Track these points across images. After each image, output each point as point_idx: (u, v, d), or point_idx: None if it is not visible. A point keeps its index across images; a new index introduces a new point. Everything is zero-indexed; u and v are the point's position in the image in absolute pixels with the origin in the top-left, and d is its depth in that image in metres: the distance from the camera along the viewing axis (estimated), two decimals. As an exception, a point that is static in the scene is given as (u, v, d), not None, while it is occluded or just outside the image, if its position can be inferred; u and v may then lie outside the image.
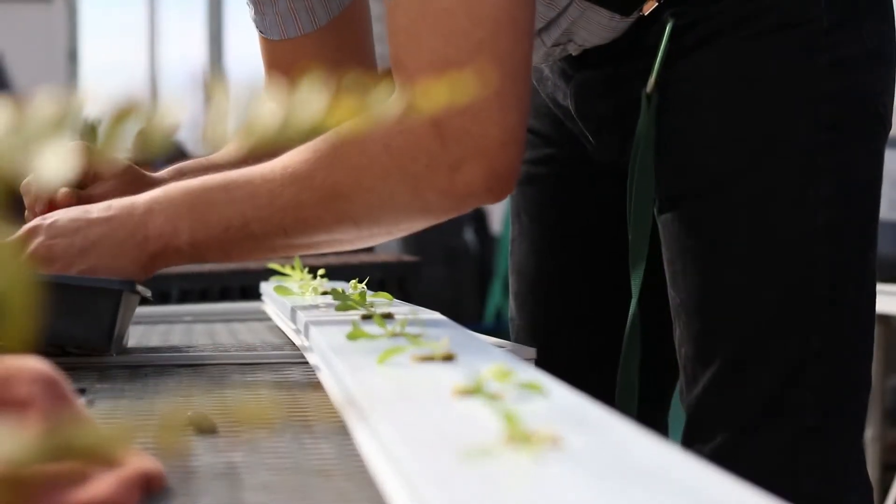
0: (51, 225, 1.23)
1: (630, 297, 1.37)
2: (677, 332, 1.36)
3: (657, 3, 1.34)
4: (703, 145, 1.33)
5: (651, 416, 1.49)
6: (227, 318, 1.65)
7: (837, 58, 1.31)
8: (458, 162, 1.18)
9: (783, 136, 1.31)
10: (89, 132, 0.50)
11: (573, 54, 1.43)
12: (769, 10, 1.31)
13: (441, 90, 0.54)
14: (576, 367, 1.46)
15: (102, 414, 0.95)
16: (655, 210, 1.37)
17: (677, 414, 1.48)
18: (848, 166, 1.32)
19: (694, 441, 1.34)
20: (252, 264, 2.11)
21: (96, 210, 1.25)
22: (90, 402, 0.98)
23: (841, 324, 1.32)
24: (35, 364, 0.71)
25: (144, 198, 1.24)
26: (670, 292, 1.36)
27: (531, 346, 1.32)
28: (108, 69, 6.95)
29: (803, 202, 1.30)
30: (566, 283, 1.54)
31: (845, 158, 1.32)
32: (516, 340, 1.53)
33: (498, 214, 5.66)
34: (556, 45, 1.40)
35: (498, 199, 1.21)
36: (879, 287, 2.82)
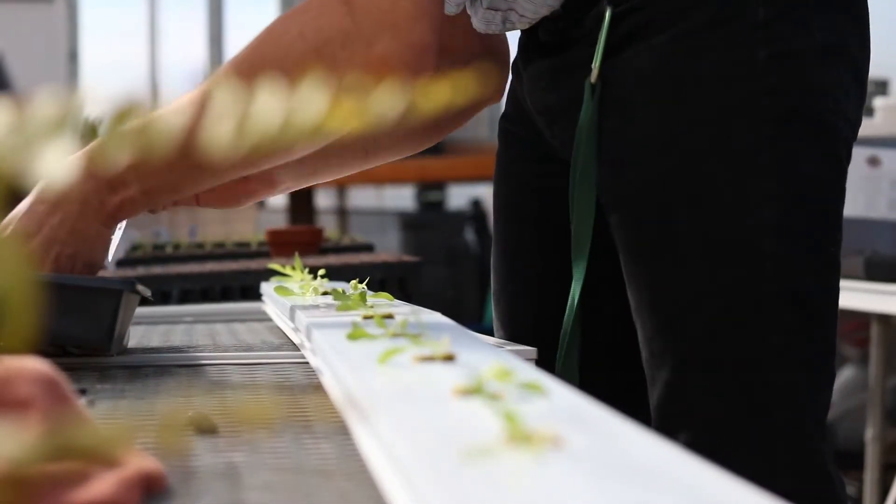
0: (12, 230, 1.26)
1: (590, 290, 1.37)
2: (638, 334, 1.35)
3: None
4: (640, 145, 1.32)
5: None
6: (227, 319, 1.65)
7: (778, 51, 1.29)
8: (372, 37, 1.21)
9: (721, 134, 1.29)
10: (90, 132, 0.50)
11: (520, 28, 1.42)
12: (705, 2, 1.30)
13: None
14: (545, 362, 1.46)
15: (103, 414, 0.95)
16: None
17: None
18: (794, 161, 1.30)
19: None
20: (253, 265, 2.11)
21: (39, 203, 1.27)
22: (90, 403, 0.98)
23: (801, 321, 1.30)
24: (35, 364, 0.71)
25: (83, 170, 1.28)
26: (629, 292, 1.35)
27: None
28: (109, 69, 6.95)
29: (745, 199, 1.29)
30: (534, 286, 1.52)
31: (790, 153, 1.30)
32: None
33: (498, 214, 5.65)
34: (493, 8, 1.40)
35: (416, 73, 1.23)
36: (879, 287, 2.82)
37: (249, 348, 1.30)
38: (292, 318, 1.31)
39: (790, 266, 1.30)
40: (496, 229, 1.56)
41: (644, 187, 1.32)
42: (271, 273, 1.60)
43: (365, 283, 1.35)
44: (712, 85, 1.30)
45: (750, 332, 1.29)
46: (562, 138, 1.42)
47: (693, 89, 1.30)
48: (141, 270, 2.12)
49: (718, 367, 1.30)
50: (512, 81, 1.54)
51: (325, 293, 1.40)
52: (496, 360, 0.85)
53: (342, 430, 0.82)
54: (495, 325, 1.57)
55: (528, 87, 1.45)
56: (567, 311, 1.37)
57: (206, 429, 0.83)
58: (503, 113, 1.57)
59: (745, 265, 1.29)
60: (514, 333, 1.50)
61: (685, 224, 1.30)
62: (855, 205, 2.92)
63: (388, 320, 1.04)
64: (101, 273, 1.31)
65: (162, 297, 1.95)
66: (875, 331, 3.02)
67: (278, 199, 5.94)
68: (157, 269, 2.13)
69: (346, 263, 2.03)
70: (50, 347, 1.18)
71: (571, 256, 1.37)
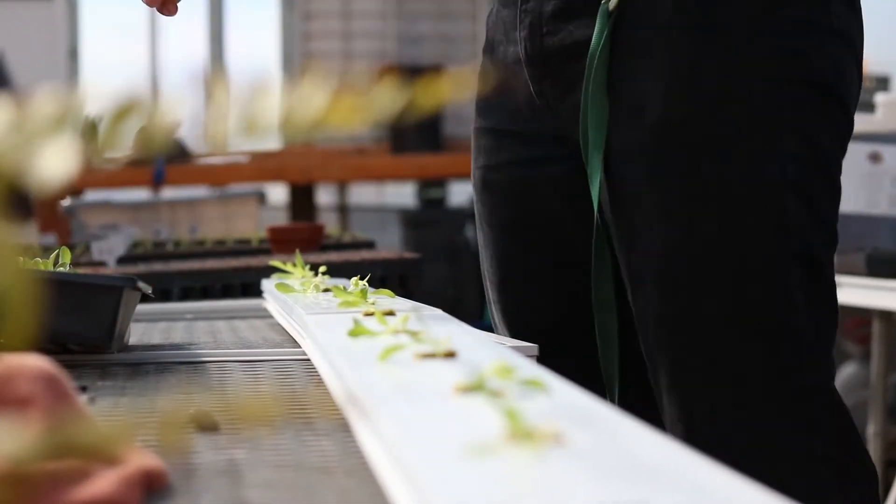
0: None
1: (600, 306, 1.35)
2: (638, 305, 1.32)
3: None
4: (660, 88, 1.30)
5: (640, 398, 1.44)
6: (228, 316, 1.65)
7: (801, 18, 1.29)
8: None
9: (745, 84, 1.29)
10: (90, 130, 0.50)
11: None
12: None
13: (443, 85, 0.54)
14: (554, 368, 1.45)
15: (104, 411, 0.95)
16: (603, 169, 1.33)
17: None
18: (816, 129, 1.30)
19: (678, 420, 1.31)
20: (254, 262, 2.11)
21: None
22: (91, 400, 0.98)
23: (811, 283, 1.30)
24: (36, 362, 0.71)
25: None
26: (625, 259, 1.33)
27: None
28: (109, 67, 6.95)
29: (769, 151, 1.28)
30: (531, 287, 1.50)
31: (813, 121, 1.29)
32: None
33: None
34: None
35: None
36: (881, 283, 2.82)
37: (250, 345, 1.30)
38: (293, 315, 1.31)
39: (806, 228, 1.29)
40: (483, 238, 1.53)
41: (664, 130, 1.30)
42: (272, 270, 1.60)
43: (366, 280, 1.35)
44: (739, 35, 1.29)
45: (781, 291, 1.28)
46: (551, 94, 1.40)
47: (719, 37, 1.29)
48: (142, 267, 2.12)
49: (736, 319, 1.29)
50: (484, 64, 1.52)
51: (325, 290, 1.40)
52: (497, 357, 0.85)
53: (343, 427, 0.82)
54: (501, 327, 1.55)
55: (528, 26, 1.41)
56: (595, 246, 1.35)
57: (207, 426, 0.83)
58: (474, 118, 1.54)
59: (770, 219, 1.28)
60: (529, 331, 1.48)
61: (707, 168, 1.28)
62: (856, 201, 2.92)
63: (389, 317, 1.04)
64: (102, 270, 1.31)
65: (163, 295, 1.95)
66: (876, 327, 3.02)
67: (279, 196, 5.94)
68: (158, 266, 2.13)
69: (346, 260, 2.03)
70: (50, 345, 1.18)
71: (592, 197, 1.34)
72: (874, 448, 2.98)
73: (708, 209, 1.29)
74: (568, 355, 1.42)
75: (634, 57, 1.32)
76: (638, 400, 1.39)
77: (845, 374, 3.58)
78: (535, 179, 1.46)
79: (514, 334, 1.49)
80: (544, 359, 1.42)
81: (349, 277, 1.42)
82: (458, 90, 0.54)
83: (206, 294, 2.02)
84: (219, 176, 5.21)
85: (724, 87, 1.29)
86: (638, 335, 1.35)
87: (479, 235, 1.55)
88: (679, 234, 1.30)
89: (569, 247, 1.45)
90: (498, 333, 1.54)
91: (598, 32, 1.32)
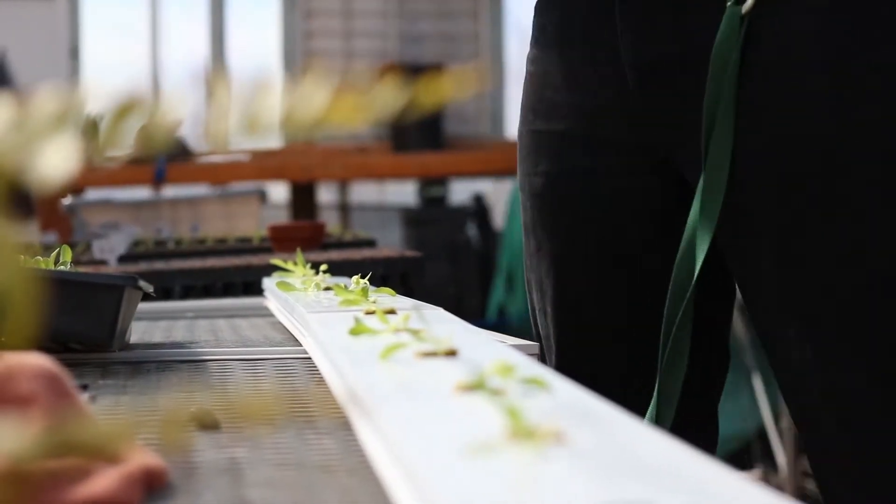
0: None
1: (661, 313, 1.28)
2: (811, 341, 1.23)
3: None
4: (807, 83, 1.21)
5: (701, 409, 1.42)
6: (229, 314, 1.65)
7: None
8: None
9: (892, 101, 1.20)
10: (91, 129, 0.50)
11: None
12: None
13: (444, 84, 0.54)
14: (606, 384, 1.39)
15: (105, 410, 0.95)
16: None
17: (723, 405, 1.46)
18: None
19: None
20: (255, 260, 2.11)
21: None
22: (92, 399, 0.98)
23: None
24: (37, 360, 0.71)
25: None
26: (771, 290, 1.24)
27: (567, 364, 1.29)
28: (110, 66, 6.95)
29: None
30: (598, 300, 1.42)
31: None
32: (544, 359, 1.45)
33: (501, 210, 5.66)
34: None
35: None
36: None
37: (251, 344, 1.30)
38: (294, 314, 1.31)
39: None
40: (537, 244, 1.44)
41: (815, 132, 1.21)
42: (273, 268, 1.60)
43: (367, 278, 1.35)
44: (879, 51, 1.21)
45: None
46: (660, 96, 1.31)
47: (860, 53, 1.21)
48: (143, 266, 2.12)
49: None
50: (547, 70, 1.41)
51: (327, 288, 1.40)
52: (499, 355, 0.85)
53: (344, 426, 0.82)
54: (553, 335, 1.46)
55: (630, 32, 1.31)
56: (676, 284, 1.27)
57: (208, 424, 0.83)
58: (529, 119, 1.45)
59: None
60: (576, 356, 1.43)
61: (858, 180, 1.20)
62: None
63: (390, 316, 1.04)
64: (103, 269, 1.31)
65: (164, 293, 1.95)
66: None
67: (281, 195, 5.94)
68: (159, 265, 2.13)
69: (348, 259, 2.03)
70: (52, 343, 1.18)
71: (700, 217, 1.25)
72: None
73: (863, 220, 1.21)
74: (620, 365, 1.40)
75: (777, 67, 1.23)
76: (693, 418, 1.34)
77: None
78: (608, 189, 1.38)
79: (568, 343, 1.43)
80: (600, 370, 1.40)
81: (350, 276, 1.42)
82: (459, 89, 0.54)
83: (207, 292, 2.02)
84: (220, 174, 5.21)
85: (871, 105, 1.21)
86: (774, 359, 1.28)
87: (528, 241, 1.46)
88: (826, 239, 1.22)
89: (634, 259, 1.39)
90: (539, 341, 1.47)
91: (723, 39, 1.23)
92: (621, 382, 1.39)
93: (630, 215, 1.38)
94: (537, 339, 1.47)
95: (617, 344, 1.42)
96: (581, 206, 1.40)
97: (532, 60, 1.44)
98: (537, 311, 1.47)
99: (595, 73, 1.36)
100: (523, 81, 1.47)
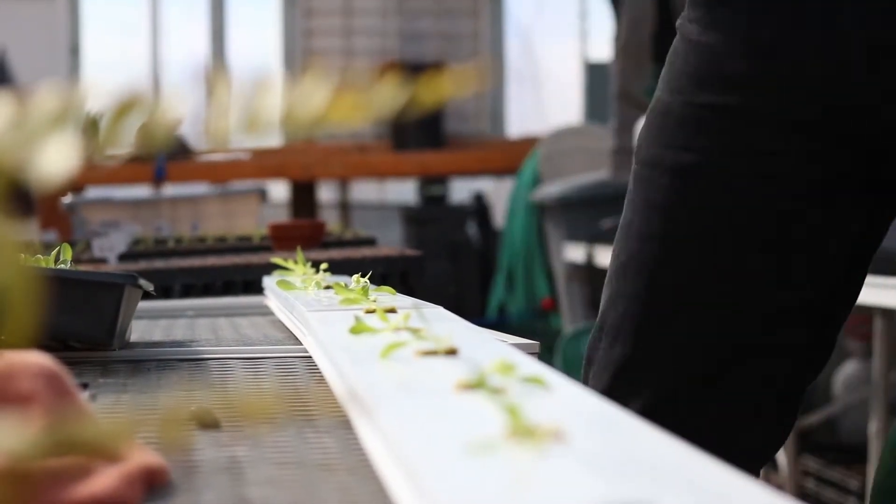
0: None
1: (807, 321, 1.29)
2: None
3: None
4: None
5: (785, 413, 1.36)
6: (229, 313, 1.65)
7: None
8: None
9: None
10: (91, 127, 0.50)
11: None
12: None
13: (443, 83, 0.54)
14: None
15: (105, 409, 0.95)
16: None
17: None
18: None
19: None
20: (255, 259, 2.11)
21: None
22: (93, 397, 0.98)
23: None
24: (38, 359, 0.71)
25: None
26: None
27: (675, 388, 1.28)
28: (111, 64, 6.95)
29: None
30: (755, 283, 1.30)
31: None
32: (628, 377, 1.34)
33: (501, 208, 5.66)
34: None
35: None
36: (883, 281, 2.81)
37: (252, 342, 1.30)
38: (294, 312, 1.31)
39: None
40: (659, 226, 1.31)
41: None
42: (273, 267, 1.60)
43: (367, 277, 1.35)
44: None
45: None
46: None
47: None
48: (143, 265, 2.12)
49: None
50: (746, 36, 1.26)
51: (327, 287, 1.40)
52: (499, 354, 0.85)
53: (345, 425, 0.82)
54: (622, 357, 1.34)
55: (866, 7, 1.19)
56: None
57: (209, 423, 0.83)
58: (689, 90, 1.30)
59: None
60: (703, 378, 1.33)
61: None
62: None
63: (390, 314, 1.04)
64: (103, 267, 1.31)
65: (164, 292, 1.95)
66: (878, 325, 3.01)
67: (281, 193, 5.94)
68: (159, 264, 2.13)
69: (348, 258, 2.03)
70: (52, 342, 1.18)
71: None
72: (876, 446, 2.98)
73: None
74: (775, 356, 1.32)
75: None
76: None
77: (846, 371, 3.58)
78: (786, 172, 1.26)
79: (709, 333, 1.31)
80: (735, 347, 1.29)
81: (350, 274, 1.42)
82: (459, 87, 0.54)
83: (207, 291, 2.01)
84: (220, 173, 5.21)
85: None
86: None
87: (667, 224, 1.31)
88: None
89: (800, 244, 1.29)
90: (598, 333, 1.37)
91: None
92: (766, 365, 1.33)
93: (806, 202, 1.27)
94: (598, 334, 1.36)
95: (765, 334, 1.32)
96: (750, 187, 1.27)
97: (703, 27, 1.29)
98: (628, 299, 1.33)
99: (805, 47, 1.23)
100: (676, 50, 1.33)
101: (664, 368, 1.32)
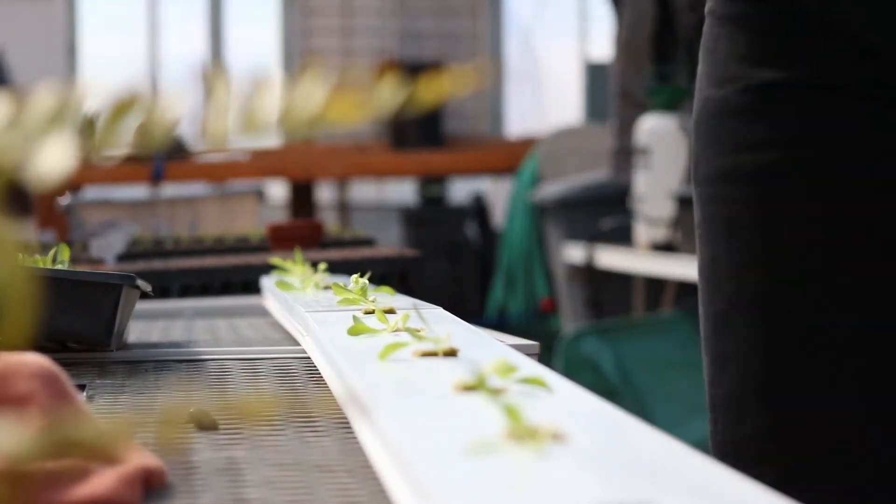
0: None
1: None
2: None
3: None
4: None
5: None
6: (227, 314, 1.64)
7: None
8: None
9: None
10: (89, 126, 0.49)
11: None
12: None
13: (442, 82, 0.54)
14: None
15: (103, 410, 0.94)
16: None
17: None
18: None
19: None
20: (254, 259, 2.11)
21: None
22: (90, 398, 0.98)
23: None
24: (35, 359, 0.71)
25: None
26: None
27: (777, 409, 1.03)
28: (108, 63, 6.95)
29: None
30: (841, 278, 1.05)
31: None
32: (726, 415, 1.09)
33: (500, 209, 5.66)
34: None
35: None
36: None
37: (250, 343, 1.30)
38: (293, 313, 1.31)
39: None
40: (723, 234, 1.07)
41: None
42: (272, 268, 1.60)
43: (366, 277, 1.35)
44: None
45: None
46: None
47: None
48: (141, 265, 2.12)
49: None
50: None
51: (325, 288, 1.39)
52: (498, 355, 0.84)
53: (343, 426, 0.82)
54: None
55: None
56: None
57: (207, 424, 0.83)
58: (742, 73, 1.07)
59: None
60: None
61: None
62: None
63: (389, 315, 1.04)
64: (101, 268, 1.30)
65: (162, 292, 1.95)
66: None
67: (279, 194, 5.94)
68: (157, 264, 2.12)
69: (346, 258, 2.03)
70: (49, 342, 1.18)
71: None
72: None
73: None
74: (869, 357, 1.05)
75: None
76: None
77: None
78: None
79: (799, 336, 1.06)
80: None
81: (349, 275, 1.42)
82: (458, 87, 0.54)
83: (205, 292, 2.01)
84: (218, 173, 5.21)
85: None
86: None
87: (765, 245, 1.06)
88: None
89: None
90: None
91: None
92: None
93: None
94: (713, 416, 1.10)
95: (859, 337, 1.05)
96: (855, 173, 1.04)
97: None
98: (741, 357, 1.07)
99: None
100: (715, 36, 1.10)
101: (812, 431, 1.06)
